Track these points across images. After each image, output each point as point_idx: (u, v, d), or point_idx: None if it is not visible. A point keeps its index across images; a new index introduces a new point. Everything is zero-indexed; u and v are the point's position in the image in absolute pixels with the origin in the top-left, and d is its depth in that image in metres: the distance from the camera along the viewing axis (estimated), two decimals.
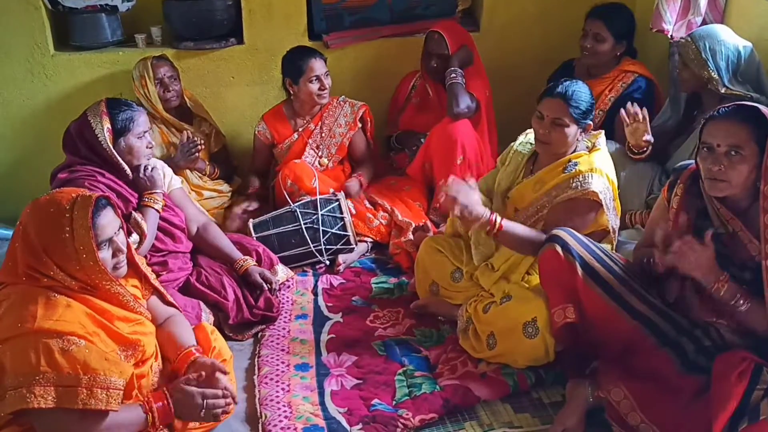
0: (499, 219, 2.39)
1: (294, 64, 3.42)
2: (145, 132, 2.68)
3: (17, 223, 1.95)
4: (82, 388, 1.79)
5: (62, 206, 1.88)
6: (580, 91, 2.49)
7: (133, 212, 2.62)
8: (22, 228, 1.92)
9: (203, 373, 2.02)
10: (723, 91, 2.74)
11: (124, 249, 2.00)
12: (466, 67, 3.50)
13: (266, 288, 2.83)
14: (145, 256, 2.62)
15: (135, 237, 2.57)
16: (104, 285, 1.94)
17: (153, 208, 2.67)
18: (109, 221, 1.95)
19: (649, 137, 2.89)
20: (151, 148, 2.72)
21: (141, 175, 2.68)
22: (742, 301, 2.01)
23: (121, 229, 2.01)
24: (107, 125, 2.60)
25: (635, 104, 2.89)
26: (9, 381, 1.77)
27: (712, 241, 2.00)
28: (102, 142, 2.59)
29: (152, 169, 2.71)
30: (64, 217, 1.87)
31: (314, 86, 3.41)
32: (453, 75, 3.42)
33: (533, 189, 2.58)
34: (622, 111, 2.90)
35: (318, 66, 3.40)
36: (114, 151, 2.60)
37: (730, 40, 2.80)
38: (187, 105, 3.54)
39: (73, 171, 2.60)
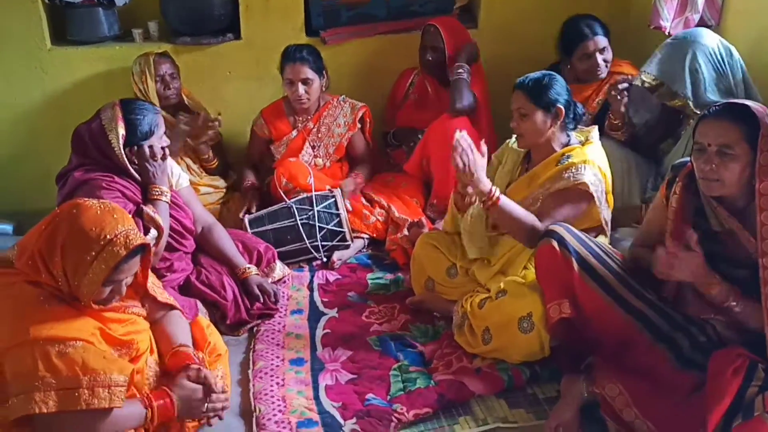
0: (497, 192, 2.41)
1: (280, 62, 3.42)
2: (164, 132, 2.67)
3: (56, 209, 1.94)
4: (84, 389, 1.78)
5: (102, 235, 1.85)
6: (540, 78, 2.52)
7: (143, 207, 2.57)
8: (58, 220, 1.89)
9: (201, 373, 2.02)
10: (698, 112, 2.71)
11: (123, 294, 1.98)
12: (472, 64, 3.50)
13: (262, 301, 2.81)
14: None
15: (153, 233, 2.53)
16: (87, 306, 1.93)
17: (162, 200, 2.63)
18: (129, 267, 1.92)
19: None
20: (167, 145, 2.69)
21: (152, 164, 2.61)
22: (735, 302, 2.02)
23: (134, 275, 1.99)
24: (122, 132, 2.55)
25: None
26: (11, 388, 1.77)
27: (699, 245, 2.02)
28: (116, 149, 2.54)
29: (162, 156, 2.65)
30: (98, 244, 1.84)
31: (288, 90, 3.40)
32: (460, 71, 3.41)
33: (528, 185, 2.60)
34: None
35: (293, 71, 3.35)
36: (126, 158, 2.56)
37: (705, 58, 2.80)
38: (184, 102, 3.53)
39: (88, 171, 2.56)
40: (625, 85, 3.00)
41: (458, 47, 3.55)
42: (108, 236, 1.85)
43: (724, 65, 2.75)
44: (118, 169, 2.59)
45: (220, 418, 2.06)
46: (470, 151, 2.37)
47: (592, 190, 2.44)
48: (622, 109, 3.03)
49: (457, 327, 2.60)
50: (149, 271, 2.16)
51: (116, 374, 1.83)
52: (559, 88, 2.52)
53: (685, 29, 3.05)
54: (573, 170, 2.45)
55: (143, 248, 1.95)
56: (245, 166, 3.63)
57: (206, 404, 1.98)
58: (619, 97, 3.01)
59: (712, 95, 2.71)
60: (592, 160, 2.47)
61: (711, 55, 2.76)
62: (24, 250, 1.90)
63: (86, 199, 1.97)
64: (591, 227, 2.53)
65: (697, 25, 3.10)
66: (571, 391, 2.21)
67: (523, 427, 2.26)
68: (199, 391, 1.97)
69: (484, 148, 2.43)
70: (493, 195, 2.40)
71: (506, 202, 2.43)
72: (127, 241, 1.87)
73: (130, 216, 2.45)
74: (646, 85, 2.84)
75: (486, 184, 2.40)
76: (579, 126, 2.64)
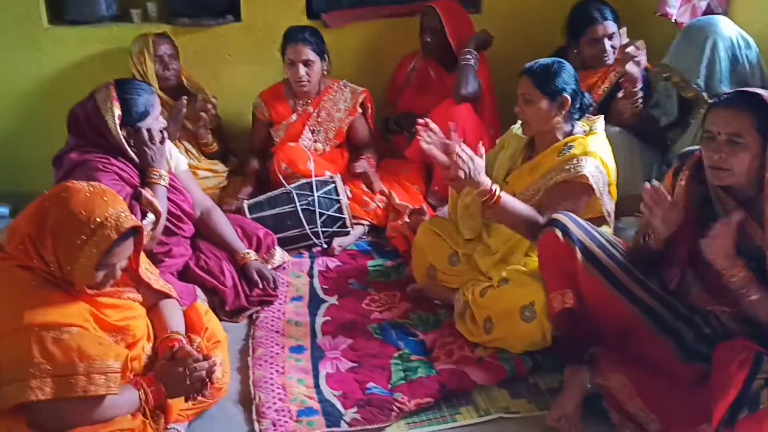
0: (498, 190, 2.36)
1: (282, 43, 3.38)
2: (160, 112, 2.62)
3: (46, 192, 1.90)
4: (80, 376, 1.76)
5: (92, 218, 1.81)
6: (549, 65, 2.48)
7: (141, 191, 2.53)
8: (47, 203, 1.85)
9: (179, 347, 1.99)
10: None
11: (118, 278, 1.94)
12: (482, 51, 3.46)
13: (261, 287, 2.78)
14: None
15: (151, 217, 2.50)
16: (81, 291, 1.90)
17: (160, 185, 2.59)
18: (122, 251, 1.89)
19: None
20: (165, 126, 2.65)
21: (150, 147, 2.56)
22: (753, 291, 1.98)
23: (127, 259, 1.96)
24: (118, 112, 2.50)
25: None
26: (5, 376, 1.74)
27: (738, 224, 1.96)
28: (112, 130, 2.50)
29: (161, 140, 2.61)
30: (89, 228, 1.80)
31: (289, 71, 3.36)
32: (468, 57, 3.39)
33: (530, 173, 2.57)
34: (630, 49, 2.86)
35: (295, 52, 3.31)
36: (123, 139, 2.52)
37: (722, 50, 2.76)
38: (184, 84, 3.49)
39: (84, 152, 2.52)
40: (640, 52, 2.85)
41: (458, 30, 3.53)
42: (98, 219, 1.81)
43: (742, 56, 2.72)
44: (114, 150, 2.55)
45: (212, 382, 1.97)
46: (470, 160, 2.28)
47: (592, 183, 2.41)
48: (635, 70, 2.85)
49: (459, 315, 2.58)
50: (143, 256, 2.13)
51: (112, 360, 1.81)
52: (567, 77, 2.47)
53: (692, 17, 3.02)
54: (574, 162, 2.41)
55: (136, 231, 1.92)
56: (250, 153, 3.59)
57: (188, 376, 1.91)
58: (635, 57, 2.83)
59: (726, 86, 2.68)
60: (593, 152, 2.43)
61: (730, 45, 2.72)
62: (14, 234, 1.87)
63: (75, 181, 1.92)
64: (593, 217, 2.50)
65: (705, 13, 3.06)
66: (575, 382, 2.19)
67: (525, 418, 2.24)
68: (177, 364, 1.92)
69: (482, 149, 2.35)
70: (495, 193, 2.34)
71: (507, 199, 2.39)
72: (118, 223, 1.84)
73: (123, 198, 2.43)
74: (664, 74, 2.80)
75: (486, 183, 2.33)
76: (586, 114, 2.60)
